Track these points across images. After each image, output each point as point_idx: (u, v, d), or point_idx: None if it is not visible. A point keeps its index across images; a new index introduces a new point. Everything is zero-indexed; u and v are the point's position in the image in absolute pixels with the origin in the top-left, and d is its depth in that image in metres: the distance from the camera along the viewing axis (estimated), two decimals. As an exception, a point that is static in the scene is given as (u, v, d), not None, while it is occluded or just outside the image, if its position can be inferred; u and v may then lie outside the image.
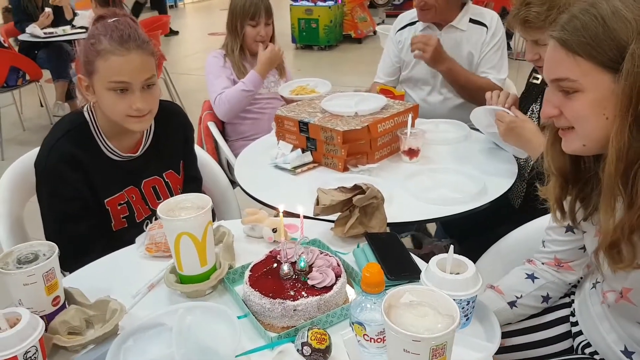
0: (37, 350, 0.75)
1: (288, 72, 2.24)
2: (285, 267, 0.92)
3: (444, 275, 0.81)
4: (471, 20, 1.95)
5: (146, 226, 1.32)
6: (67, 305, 0.90)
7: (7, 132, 3.76)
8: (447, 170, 1.44)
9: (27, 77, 3.79)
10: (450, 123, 1.76)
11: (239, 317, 0.87)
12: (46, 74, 4.07)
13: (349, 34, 7.25)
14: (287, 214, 1.05)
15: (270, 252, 1.00)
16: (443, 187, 1.34)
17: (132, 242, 1.17)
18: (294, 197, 1.31)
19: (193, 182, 1.47)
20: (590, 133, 0.79)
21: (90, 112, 1.24)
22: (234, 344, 0.77)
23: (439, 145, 1.60)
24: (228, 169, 2.03)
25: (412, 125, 1.50)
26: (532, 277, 1.05)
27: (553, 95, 0.82)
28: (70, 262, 1.06)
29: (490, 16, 1.97)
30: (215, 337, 0.81)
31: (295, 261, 0.93)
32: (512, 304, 1.04)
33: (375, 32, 7.56)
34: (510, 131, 1.37)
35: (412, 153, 1.48)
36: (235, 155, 1.99)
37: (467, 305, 0.82)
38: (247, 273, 0.94)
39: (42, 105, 4.22)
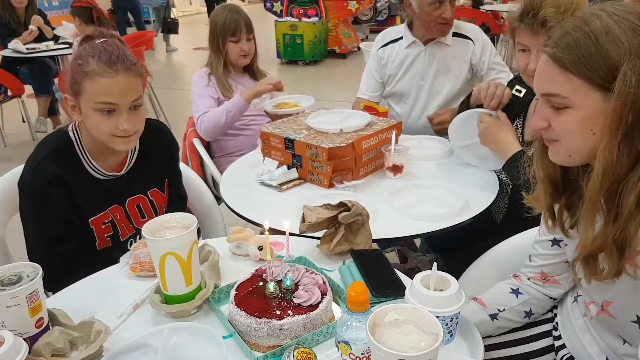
0: (20, 374, 0.74)
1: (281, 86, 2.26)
2: (271, 286, 0.92)
3: (428, 292, 0.82)
4: (454, 34, 2.00)
5: (130, 245, 1.31)
6: (50, 327, 0.89)
7: (-12, 149, 3.70)
8: (431, 185, 1.46)
9: (9, 93, 3.75)
10: (434, 139, 1.80)
11: (224, 337, 0.87)
12: (28, 89, 4.04)
13: (334, 49, 7.35)
14: (273, 231, 1.06)
15: (257, 270, 1.00)
16: (427, 203, 1.36)
17: (116, 261, 1.16)
18: (280, 214, 1.31)
19: (178, 200, 1.47)
20: (576, 147, 0.81)
21: (75, 131, 1.23)
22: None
23: (423, 161, 1.63)
24: (213, 186, 2.02)
25: (396, 141, 1.53)
26: (516, 292, 1.07)
27: (542, 108, 0.83)
28: (54, 282, 1.04)
29: (472, 29, 2.03)
30: (201, 357, 0.81)
31: (281, 279, 0.94)
32: (493, 317, 1.06)
33: (359, 48, 7.66)
34: (487, 130, 1.39)
35: (396, 169, 1.50)
36: (221, 172, 1.99)
37: (450, 321, 0.83)
38: (233, 292, 0.94)
39: (24, 121, 4.18)
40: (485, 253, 1.32)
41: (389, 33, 2.13)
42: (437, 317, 0.80)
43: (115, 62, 1.12)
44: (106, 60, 1.12)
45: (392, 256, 2.19)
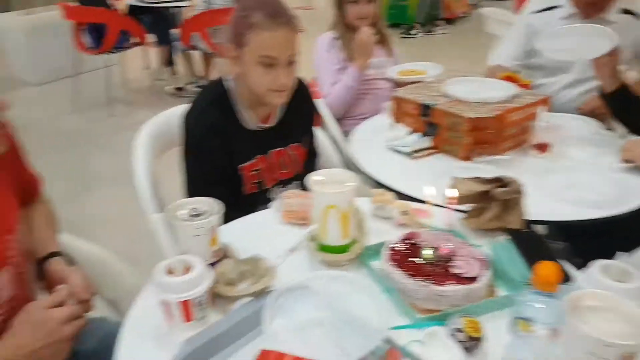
0: (206, 296, 0.81)
1: (395, 52, 2.20)
2: (428, 252, 0.92)
3: (612, 283, 0.77)
4: (623, 11, 1.79)
5: (272, 193, 1.37)
6: (222, 259, 0.95)
7: (113, 91, 4.01)
8: (582, 169, 1.36)
9: (134, 40, 4.01)
10: (582, 120, 1.66)
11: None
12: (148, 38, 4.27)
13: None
14: (408, 199, 1.03)
15: (407, 234, 1.00)
16: (579, 188, 1.26)
17: (259, 206, 1.23)
18: (412, 182, 1.29)
19: (312, 157, 1.50)
20: None
21: (231, 81, 1.28)
22: (385, 316, 0.79)
23: (572, 142, 1.50)
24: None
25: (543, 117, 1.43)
26: None
27: None
28: None
29: None
30: (361, 308, 0.83)
31: (436, 247, 0.93)
32: None
33: (467, 14, 7.24)
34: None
35: (543, 147, 1.42)
36: (343, 133, 2.01)
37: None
38: (386, 252, 0.95)
39: (145, 68, 4.47)
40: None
41: None
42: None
43: (279, 16, 1.14)
44: (271, 13, 1.14)
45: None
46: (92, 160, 3.24)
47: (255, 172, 1.34)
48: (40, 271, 0.94)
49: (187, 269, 0.81)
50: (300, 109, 1.42)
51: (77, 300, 0.84)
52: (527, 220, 1.14)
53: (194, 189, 1.28)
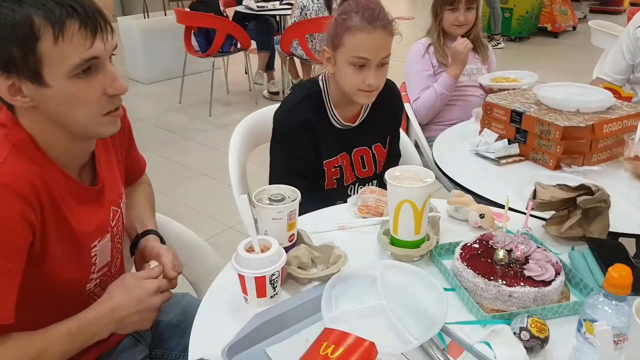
0: (279, 275, 0.88)
1: (492, 61, 2.17)
2: (501, 253, 0.92)
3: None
4: None
5: (351, 190, 1.43)
6: (297, 244, 1.03)
7: (215, 93, 4.34)
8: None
9: (238, 45, 4.30)
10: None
11: (445, 290, 0.91)
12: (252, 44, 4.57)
13: (545, 26, 6.66)
14: (491, 203, 1.03)
15: (482, 236, 1.00)
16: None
17: (336, 201, 1.29)
18: (497, 188, 1.29)
19: (394, 158, 1.54)
20: None
21: (324, 81, 1.37)
22: (445, 309, 0.81)
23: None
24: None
25: (643, 131, 1.35)
26: None
27: None
28: None
29: None
30: (420, 298, 0.87)
31: (511, 249, 0.93)
32: None
33: (574, 28, 6.82)
34: None
35: (638, 161, 1.33)
36: (427, 138, 2.02)
37: None
38: (458, 250, 0.97)
39: (245, 72, 4.77)
40: None
41: None
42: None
43: (376, 20, 1.20)
44: (368, 17, 1.20)
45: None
46: (191, 154, 3.53)
47: (336, 168, 1.40)
48: (134, 245, 1.03)
49: (265, 248, 0.88)
50: (387, 110, 1.46)
51: (166, 276, 0.93)
52: (611, 231, 1.09)
53: (278, 179, 1.36)
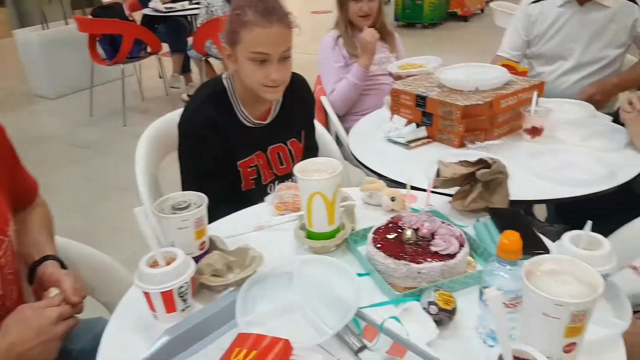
0: (188, 287, 0.85)
1: (400, 49, 2.23)
2: (409, 232, 0.95)
3: (579, 250, 0.79)
4: None
5: (270, 189, 1.42)
6: (210, 251, 0.99)
7: (128, 101, 4.14)
8: (572, 151, 1.37)
9: (148, 50, 4.13)
10: (576, 104, 1.67)
11: (360, 275, 0.93)
12: (163, 47, 4.41)
13: (455, 11, 6.98)
14: (400, 186, 1.07)
15: (392, 218, 1.03)
16: (568, 168, 1.28)
17: (256, 201, 1.27)
18: (408, 171, 1.32)
19: (311, 151, 1.53)
20: None
21: (228, 79, 1.33)
22: (358, 294, 0.82)
23: (563, 126, 1.52)
24: (336, 142, 2.08)
25: (536, 103, 1.45)
26: None
27: None
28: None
29: None
30: (335, 287, 0.87)
31: (418, 228, 0.96)
32: None
33: (482, 11, 7.20)
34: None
35: (535, 132, 1.43)
36: (345, 129, 2.05)
37: (600, 283, 0.80)
38: (371, 235, 0.98)
39: (160, 77, 4.60)
40: (626, 225, 1.22)
41: None
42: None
43: (271, 13, 1.18)
44: (262, 10, 1.18)
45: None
46: (107, 168, 3.35)
47: (253, 168, 1.38)
48: (32, 274, 0.95)
49: (172, 260, 0.84)
50: (298, 104, 1.45)
51: (68, 302, 0.87)
52: (514, 200, 1.16)
53: (191, 185, 1.31)
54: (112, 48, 3.95)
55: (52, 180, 3.10)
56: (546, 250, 0.93)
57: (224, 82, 1.33)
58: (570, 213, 1.73)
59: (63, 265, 0.98)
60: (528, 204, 1.75)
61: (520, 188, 1.21)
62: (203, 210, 0.95)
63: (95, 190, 3.09)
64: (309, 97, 1.51)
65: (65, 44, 4.58)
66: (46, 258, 0.97)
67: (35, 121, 4.24)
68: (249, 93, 1.30)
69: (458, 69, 1.61)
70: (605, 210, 1.39)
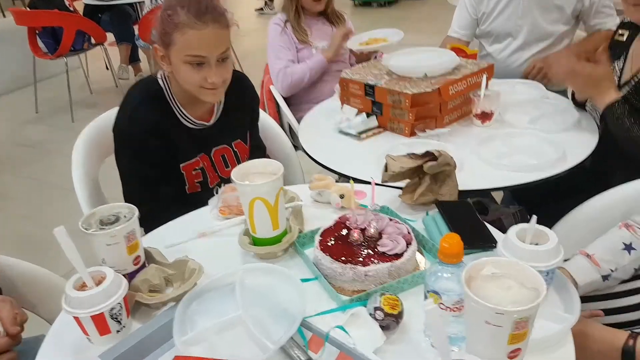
0: (121, 307, 0.79)
1: (351, 29, 2.17)
2: (355, 234, 0.91)
3: (525, 245, 0.77)
4: None
5: (217, 191, 1.35)
6: (147, 265, 0.93)
7: (75, 95, 3.95)
8: (523, 134, 1.36)
9: (93, 41, 3.92)
10: (528, 84, 1.66)
11: (307, 280, 0.90)
12: (110, 38, 4.21)
13: (411, -11, 6.94)
14: (356, 181, 1.04)
15: (340, 218, 0.99)
16: (519, 153, 1.27)
17: (204, 205, 1.20)
18: (360, 163, 1.30)
19: (258, 151, 1.47)
20: None
21: (164, 79, 1.25)
22: (303, 304, 0.78)
23: (515, 108, 1.51)
24: (290, 133, 2.03)
25: (486, 86, 1.43)
26: (629, 247, 0.98)
27: None
28: (149, 222, 1.10)
29: None
30: (280, 297, 0.83)
31: (365, 228, 0.93)
32: (605, 277, 0.98)
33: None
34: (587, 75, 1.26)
35: (485, 117, 1.41)
36: (298, 119, 1.98)
37: (546, 276, 0.78)
38: (318, 238, 0.94)
39: (107, 68, 4.39)
40: (580, 206, 1.22)
41: None
42: (533, 272, 0.77)
43: (205, 13, 1.10)
44: (195, 11, 1.09)
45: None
46: (56, 168, 3.18)
47: (197, 171, 1.31)
48: None
49: (101, 280, 0.78)
50: (242, 104, 1.39)
51: (7, 334, 0.81)
52: (465, 190, 1.15)
53: (132, 192, 1.25)
54: (54, 40, 3.73)
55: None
56: (494, 243, 0.91)
57: (160, 82, 1.25)
58: (525, 194, 1.75)
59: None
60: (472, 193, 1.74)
61: (472, 176, 1.20)
62: (133, 224, 0.88)
63: (45, 192, 2.93)
64: (253, 96, 1.44)
65: (3, 37, 4.31)
66: None
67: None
68: (187, 94, 1.22)
69: (407, 55, 1.57)
70: (560, 191, 1.40)
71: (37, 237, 2.35)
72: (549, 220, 1.25)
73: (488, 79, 1.45)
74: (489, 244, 0.92)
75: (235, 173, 0.94)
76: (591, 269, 0.99)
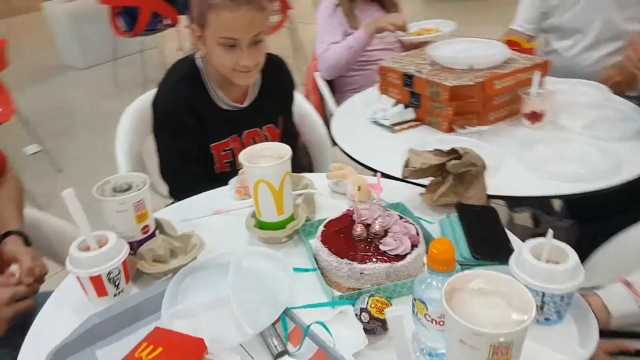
0: (119, 272, 0.81)
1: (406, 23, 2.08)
2: (359, 228, 0.87)
3: (537, 263, 0.69)
4: None
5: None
6: (156, 234, 0.95)
7: (151, 73, 4.15)
8: (575, 139, 1.23)
9: (167, 22, 4.07)
10: (591, 85, 1.50)
11: (302, 270, 0.87)
12: (183, 20, 4.34)
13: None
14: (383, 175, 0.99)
15: (347, 210, 0.95)
16: (566, 160, 1.15)
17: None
18: (388, 156, 1.23)
19: (290, 138, 1.45)
20: None
21: (201, 60, 1.26)
22: (289, 293, 0.76)
23: (572, 110, 1.36)
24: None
25: (540, 84, 1.30)
26: None
27: None
28: (184, 195, 1.14)
29: None
30: (271, 284, 0.81)
31: (370, 223, 0.88)
32: None
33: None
34: None
35: (535, 117, 1.29)
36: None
37: (560, 300, 0.70)
38: (321, 228, 0.91)
39: (179, 50, 4.56)
40: (631, 227, 1.09)
41: None
42: (545, 293, 0.68)
43: None
44: None
45: (523, 218, 1.98)
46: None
47: (227, 151, 1.32)
48: None
49: (104, 244, 0.81)
50: (277, 89, 1.38)
51: (21, 281, 0.86)
52: (495, 195, 1.05)
53: (169, 166, 1.29)
54: (132, 20, 3.93)
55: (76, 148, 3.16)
56: (507, 257, 0.82)
57: (197, 62, 1.26)
58: (579, 208, 1.59)
59: (27, 241, 0.97)
60: (528, 198, 1.60)
61: (506, 180, 1.10)
62: (143, 193, 0.90)
63: (110, 162, 3.11)
64: (289, 82, 1.43)
65: (91, 15, 4.61)
66: (9, 233, 0.96)
67: (63, 90, 4.36)
68: (222, 75, 1.23)
69: (453, 44, 1.47)
70: (616, 205, 1.26)
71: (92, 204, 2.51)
72: (604, 238, 1.13)
73: (543, 76, 1.32)
74: (505, 256, 0.83)
75: (244, 154, 0.92)
76: (630, 299, 0.86)
